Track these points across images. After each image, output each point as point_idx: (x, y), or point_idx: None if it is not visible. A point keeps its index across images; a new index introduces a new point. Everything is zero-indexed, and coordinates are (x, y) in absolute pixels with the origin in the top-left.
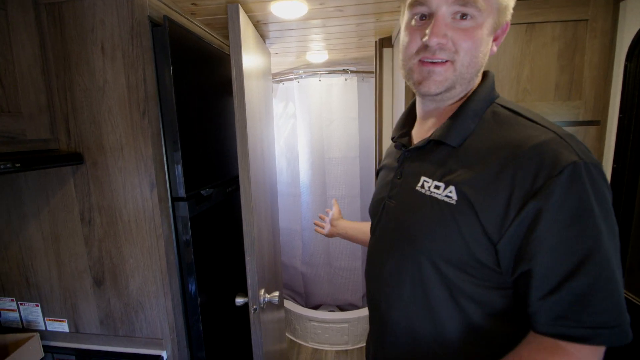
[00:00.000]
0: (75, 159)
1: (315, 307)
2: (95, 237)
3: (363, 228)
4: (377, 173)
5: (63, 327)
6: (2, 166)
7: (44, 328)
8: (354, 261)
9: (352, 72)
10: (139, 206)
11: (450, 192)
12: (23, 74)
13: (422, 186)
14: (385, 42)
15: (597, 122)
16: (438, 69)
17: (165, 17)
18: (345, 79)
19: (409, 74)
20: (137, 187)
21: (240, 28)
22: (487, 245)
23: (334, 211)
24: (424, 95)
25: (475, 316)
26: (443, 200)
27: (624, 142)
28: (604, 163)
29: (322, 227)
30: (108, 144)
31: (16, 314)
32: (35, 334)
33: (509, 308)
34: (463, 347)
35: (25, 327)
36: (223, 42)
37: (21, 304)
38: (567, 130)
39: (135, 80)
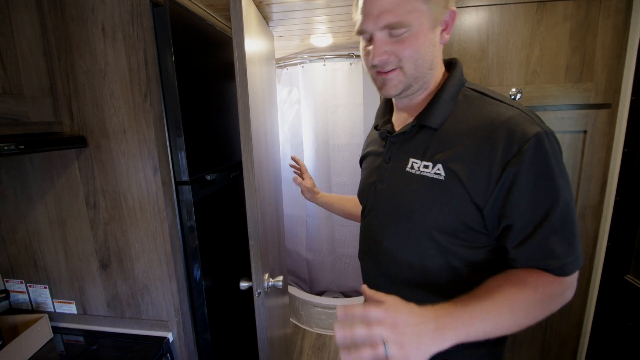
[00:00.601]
0: (78, 142)
1: (320, 294)
2: (101, 220)
3: (343, 199)
4: (361, 160)
5: (71, 308)
6: (5, 147)
7: (52, 310)
8: (357, 248)
9: (357, 56)
10: (143, 190)
11: (438, 169)
12: (24, 55)
13: (412, 167)
14: None
15: (609, 105)
16: (390, 76)
17: None
18: (350, 64)
19: (373, 80)
20: (140, 171)
21: (242, 8)
22: (475, 211)
23: (306, 180)
24: (386, 97)
25: (462, 271)
26: (432, 178)
27: (635, 126)
28: (614, 147)
29: (300, 176)
30: (111, 127)
31: (25, 296)
32: (44, 314)
33: (488, 262)
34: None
35: (34, 309)
36: (225, 25)
37: (30, 286)
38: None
39: (137, 62)
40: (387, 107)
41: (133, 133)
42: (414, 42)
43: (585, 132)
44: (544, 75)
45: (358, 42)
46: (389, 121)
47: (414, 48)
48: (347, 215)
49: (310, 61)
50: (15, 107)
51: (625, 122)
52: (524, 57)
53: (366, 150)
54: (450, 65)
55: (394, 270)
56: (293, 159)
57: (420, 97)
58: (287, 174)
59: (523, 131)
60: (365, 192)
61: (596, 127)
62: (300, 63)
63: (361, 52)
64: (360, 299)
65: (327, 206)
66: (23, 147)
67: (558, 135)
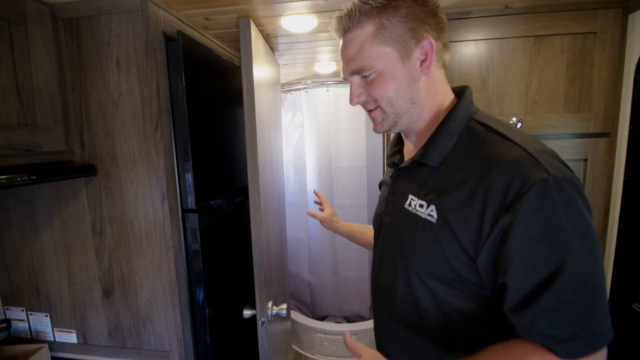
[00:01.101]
0: (88, 170)
1: (322, 318)
2: (106, 248)
3: (365, 228)
4: (380, 185)
5: (71, 338)
6: (18, 179)
7: (52, 339)
8: (361, 271)
9: None
10: (150, 218)
11: (431, 211)
12: (40, 87)
13: (410, 204)
14: None
15: (607, 134)
16: (373, 114)
17: (179, 33)
18: None
19: None
20: (148, 199)
21: (252, 42)
22: (467, 261)
23: (326, 210)
24: (379, 133)
25: (458, 322)
26: (426, 219)
27: (635, 154)
28: (614, 175)
29: (321, 208)
30: (121, 156)
31: (25, 324)
32: (44, 345)
33: (490, 317)
34: (451, 354)
35: (34, 338)
36: (233, 54)
37: (31, 314)
38: (543, 144)
39: (149, 93)
40: (399, 137)
41: (143, 162)
42: (382, 82)
43: (585, 160)
44: (543, 105)
45: None
46: (399, 152)
47: (383, 87)
48: (370, 246)
49: (314, 86)
50: (29, 138)
51: (624, 151)
52: (523, 88)
53: (383, 178)
54: (460, 93)
55: (393, 305)
56: (315, 193)
57: (420, 127)
58: (291, 196)
59: (523, 177)
60: (375, 222)
61: (596, 155)
62: (304, 88)
63: None
64: (364, 324)
65: (349, 236)
66: (35, 177)
67: None
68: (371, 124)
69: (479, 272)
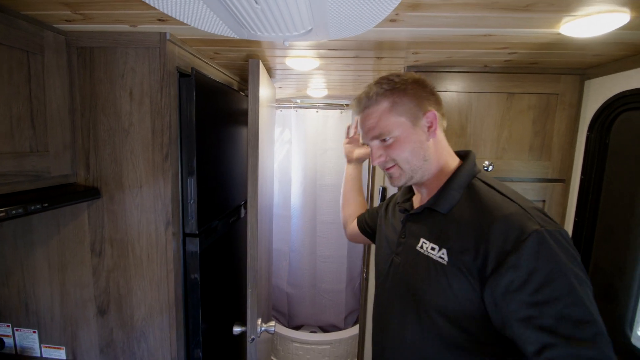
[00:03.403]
0: (92, 193)
1: (297, 328)
2: (104, 268)
3: (359, 198)
4: (378, 208)
5: (60, 354)
6: (32, 207)
7: (39, 355)
8: (338, 283)
9: (347, 106)
10: (152, 241)
11: (442, 254)
12: (52, 115)
13: (421, 247)
14: None
15: (563, 181)
16: (391, 171)
17: (193, 70)
18: (341, 112)
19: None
20: (152, 223)
21: (260, 81)
22: (475, 298)
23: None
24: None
25: None
26: (437, 261)
27: (583, 199)
28: (567, 216)
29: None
30: (127, 182)
31: (10, 340)
32: None
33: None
34: None
35: (18, 354)
36: (232, 79)
37: (17, 330)
38: (533, 203)
39: (161, 125)
40: (410, 188)
41: (149, 189)
42: (399, 145)
43: (544, 201)
44: (511, 153)
45: (350, 95)
46: (409, 199)
47: (401, 149)
48: (343, 206)
49: (304, 107)
50: (40, 164)
51: (576, 196)
52: (496, 136)
53: (386, 218)
54: (465, 156)
55: (398, 345)
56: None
57: (430, 180)
58: (275, 209)
59: (520, 228)
60: (383, 262)
61: (553, 198)
62: (294, 107)
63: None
64: (338, 334)
65: (349, 182)
66: (47, 204)
67: None
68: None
69: (486, 307)
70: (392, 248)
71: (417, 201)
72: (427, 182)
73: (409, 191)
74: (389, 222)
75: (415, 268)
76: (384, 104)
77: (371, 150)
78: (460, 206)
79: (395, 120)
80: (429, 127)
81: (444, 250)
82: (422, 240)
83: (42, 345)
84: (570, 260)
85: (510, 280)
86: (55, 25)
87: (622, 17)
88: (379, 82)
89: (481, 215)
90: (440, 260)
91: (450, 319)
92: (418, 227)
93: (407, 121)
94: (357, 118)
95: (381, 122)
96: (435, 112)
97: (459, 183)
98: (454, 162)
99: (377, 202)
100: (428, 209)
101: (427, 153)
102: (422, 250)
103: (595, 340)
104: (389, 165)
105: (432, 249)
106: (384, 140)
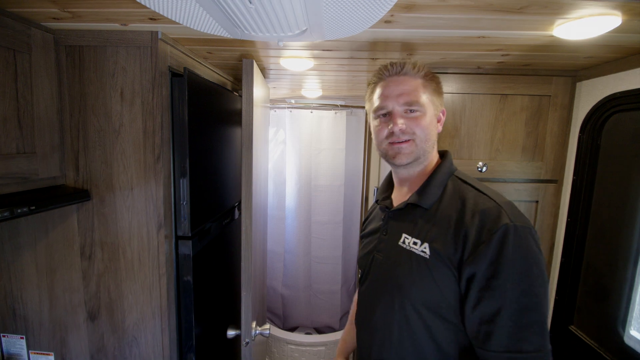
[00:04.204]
0: (82, 195)
1: (292, 329)
2: (94, 272)
3: (350, 334)
4: (362, 236)
5: None
6: (19, 210)
7: None
8: (334, 285)
9: (341, 106)
10: (144, 244)
11: (424, 248)
12: (40, 115)
13: (403, 242)
14: None
15: (555, 181)
16: (404, 145)
17: (186, 69)
18: (335, 113)
19: (384, 153)
20: (144, 226)
21: (253, 82)
22: (455, 287)
23: None
24: (398, 166)
25: (453, 355)
26: (420, 255)
27: (576, 200)
28: (559, 216)
29: None
30: (118, 184)
31: None
32: None
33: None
34: None
35: None
36: (226, 79)
37: (4, 336)
38: (506, 198)
39: (153, 126)
40: (388, 185)
41: (141, 190)
42: (424, 121)
43: (537, 202)
44: (505, 154)
45: (344, 95)
46: (389, 197)
47: (424, 125)
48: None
49: (298, 107)
50: (27, 165)
51: (568, 196)
52: (489, 137)
53: (367, 230)
54: (443, 155)
55: (387, 338)
56: None
57: (418, 172)
58: (269, 210)
59: (494, 221)
60: (364, 260)
61: (546, 198)
62: (288, 107)
63: (373, 130)
64: (334, 335)
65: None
66: (34, 207)
67: (516, 204)
68: (354, 145)
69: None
70: (372, 245)
71: (397, 197)
72: (413, 177)
73: (387, 188)
74: (370, 228)
75: (398, 263)
76: (418, 80)
77: (393, 115)
78: (440, 202)
79: (426, 97)
80: (438, 121)
81: (426, 245)
82: (404, 235)
83: (30, 351)
84: (531, 255)
85: (476, 267)
86: (43, 24)
87: (613, 20)
88: (409, 63)
89: (461, 210)
90: (422, 254)
91: (436, 311)
92: (399, 223)
93: (432, 105)
94: (381, 84)
95: (416, 92)
96: (445, 110)
97: (440, 180)
98: (435, 160)
99: (371, 201)
100: (411, 204)
101: (434, 141)
102: (404, 245)
103: (535, 329)
104: (406, 137)
105: (415, 243)
106: (411, 111)
